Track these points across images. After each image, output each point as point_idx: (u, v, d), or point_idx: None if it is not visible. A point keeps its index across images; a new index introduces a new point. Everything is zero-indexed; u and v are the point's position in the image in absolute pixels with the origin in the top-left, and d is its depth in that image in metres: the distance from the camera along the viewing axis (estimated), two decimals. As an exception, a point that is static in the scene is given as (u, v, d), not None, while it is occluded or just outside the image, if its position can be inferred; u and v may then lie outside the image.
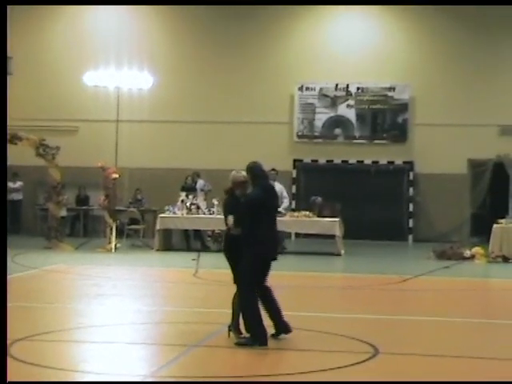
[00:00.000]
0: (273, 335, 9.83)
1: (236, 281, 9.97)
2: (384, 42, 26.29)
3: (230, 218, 9.84)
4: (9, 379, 7.85)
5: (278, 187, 22.06)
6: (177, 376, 8.39)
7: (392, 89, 26.05)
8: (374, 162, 26.16)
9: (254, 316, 9.61)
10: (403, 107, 26.06)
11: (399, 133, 26.15)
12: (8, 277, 15.54)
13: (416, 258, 21.35)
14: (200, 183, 22.57)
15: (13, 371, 8.21)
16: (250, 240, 9.72)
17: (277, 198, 10.38)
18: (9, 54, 26.72)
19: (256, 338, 9.51)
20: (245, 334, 9.70)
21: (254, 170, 10.15)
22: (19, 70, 26.83)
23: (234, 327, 9.86)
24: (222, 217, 10.21)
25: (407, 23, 26.22)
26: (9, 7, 26.50)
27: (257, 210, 9.80)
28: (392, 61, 26.18)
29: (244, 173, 10.25)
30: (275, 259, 10.11)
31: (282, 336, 9.88)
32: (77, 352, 9.46)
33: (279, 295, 10.35)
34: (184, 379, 8.26)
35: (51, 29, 27.00)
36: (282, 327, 9.94)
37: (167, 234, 21.82)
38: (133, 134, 25.71)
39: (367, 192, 25.82)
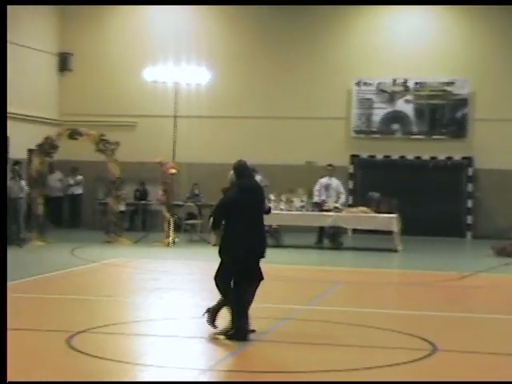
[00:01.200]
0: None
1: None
2: (443, 36, 26.03)
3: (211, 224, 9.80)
4: (68, 371, 8.00)
5: (335, 183, 22.06)
6: (235, 370, 8.46)
7: (451, 83, 25.80)
8: (432, 158, 25.94)
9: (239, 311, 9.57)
10: (462, 102, 25.79)
11: (458, 128, 25.88)
12: (68, 270, 15.86)
13: (475, 255, 21.15)
14: (257, 179, 22.54)
15: (74, 363, 8.37)
16: (224, 244, 9.66)
17: (259, 196, 9.92)
18: (69, 50, 27.19)
19: (237, 332, 9.48)
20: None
21: (238, 169, 9.98)
22: (79, 66, 27.20)
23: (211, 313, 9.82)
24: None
25: (466, 17, 25.94)
26: (67, 5, 26.92)
27: (228, 212, 9.68)
28: (451, 55, 25.92)
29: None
30: (261, 257, 9.94)
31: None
32: (136, 345, 9.59)
33: (336, 291, 10.31)
34: (242, 373, 8.31)
35: (110, 25, 27.28)
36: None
37: None
38: (190, 129, 25.88)
39: (425, 188, 25.62)
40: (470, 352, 9.28)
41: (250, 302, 9.74)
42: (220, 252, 9.79)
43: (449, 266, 18.11)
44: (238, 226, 9.65)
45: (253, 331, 9.71)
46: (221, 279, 9.76)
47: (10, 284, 13.67)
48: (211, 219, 9.82)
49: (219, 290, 9.81)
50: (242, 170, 9.99)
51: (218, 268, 9.83)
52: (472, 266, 18.07)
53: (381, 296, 13.99)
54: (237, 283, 9.66)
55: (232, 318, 9.63)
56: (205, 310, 9.95)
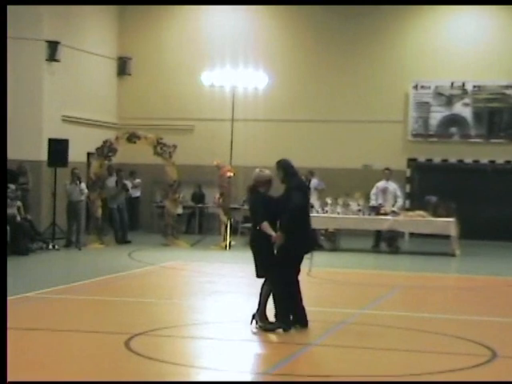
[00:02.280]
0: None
1: (261, 273, 10.30)
2: (501, 39, 25.73)
3: (266, 225, 10.06)
4: (126, 373, 8.08)
5: (392, 187, 21.95)
6: (291, 374, 8.46)
7: (510, 87, 25.48)
8: (490, 162, 25.66)
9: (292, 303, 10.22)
10: (522, 106, 25.47)
11: (517, 132, 25.57)
12: (126, 273, 16.03)
13: (534, 260, 20.87)
14: (314, 182, 22.57)
15: (132, 365, 8.46)
16: (290, 240, 10.02)
17: (309, 193, 10.70)
18: (128, 55, 27.49)
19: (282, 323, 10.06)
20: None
21: (288, 167, 10.35)
22: (138, 70, 27.48)
23: (258, 315, 10.22)
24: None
25: (526, 19, 25.62)
26: (124, 8, 27.23)
27: (299, 214, 10.19)
28: (509, 58, 25.59)
29: (268, 172, 10.45)
30: (308, 252, 10.54)
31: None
32: (193, 348, 9.65)
33: (393, 295, 10.30)
34: (298, 378, 8.32)
35: (168, 29, 27.50)
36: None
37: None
38: (247, 132, 25.95)
39: (483, 192, 25.34)
40: (529, 359, 9.17)
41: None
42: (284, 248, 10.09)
43: (507, 271, 17.89)
44: (301, 225, 10.19)
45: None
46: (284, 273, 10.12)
47: (68, 286, 13.91)
48: (266, 224, 10.08)
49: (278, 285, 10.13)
50: (291, 168, 10.40)
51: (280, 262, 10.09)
52: (531, 271, 17.84)
53: (438, 301, 13.87)
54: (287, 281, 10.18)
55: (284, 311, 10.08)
56: (253, 320, 10.26)
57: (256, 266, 10.39)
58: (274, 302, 10.25)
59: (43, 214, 22.56)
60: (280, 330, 10.12)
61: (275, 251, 10.28)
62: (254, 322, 10.30)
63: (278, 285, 10.23)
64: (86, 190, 21.00)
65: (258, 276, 10.41)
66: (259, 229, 10.22)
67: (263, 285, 10.39)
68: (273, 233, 10.07)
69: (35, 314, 11.33)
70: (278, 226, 10.16)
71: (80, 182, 20.89)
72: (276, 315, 10.24)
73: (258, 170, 10.61)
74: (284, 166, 10.39)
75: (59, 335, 9.93)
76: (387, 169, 22.28)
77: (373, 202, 21.53)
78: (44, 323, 10.54)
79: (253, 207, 10.41)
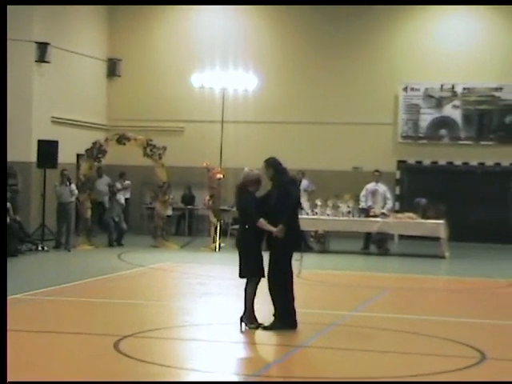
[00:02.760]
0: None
1: (244, 274, 10.42)
2: (491, 41, 25.78)
3: (263, 221, 10.24)
4: (115, 375, 8.06)
5: (382, 188, 21.98)
6: (281, 376, 8.46)
7: (499, 89, 25.55)
8: (480, 164, 25.71)
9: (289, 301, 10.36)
10: (511, 108, 25.52)
11: (506, 134, 25.61)
12: (115, 274, 15.99)
13: (523, 262, 20.92)
14: (304, 183, 22.59)
15: (121, 367, 8.44)
16: (289, 234, 10.26)
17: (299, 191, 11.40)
18: (118, 56, 27.44)
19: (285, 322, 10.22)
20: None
21: (278, 165, 10.52)
22: (128, 71, 27.43)
23: (246, 318, 10.31)
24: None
25: (515, 22, 25.68)
26: (115, 10, 27.19)
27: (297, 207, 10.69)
28: (499, 61, 25.66)
29: (257, 171, 10.55)
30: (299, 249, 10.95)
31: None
32: (183, 350, 9.64)
33: (383, 297, 10.31)
34: (288, 379, 8.31)
35: (158, 31, 27.46)
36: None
37: (270, 234, 21.85)
38: (237, 134, 25.93)
39: (473, 194, 25.39)
40: (519, 360, 9.19)
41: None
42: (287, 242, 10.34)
43: (497, 273, 17.92)
44: (296, 219, 10.58)
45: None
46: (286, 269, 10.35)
47: (58, 288, 13.87)
48: (262, 220, 10.24)
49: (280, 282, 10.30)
50: (280, 165, 10.54)
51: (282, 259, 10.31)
52: (521, 273, 17.88)
53: (428, 303, 13.89)
54: (286, 277, 10.40)
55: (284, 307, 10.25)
56: (241, 323, 10.32)
57: (240, 266, 10.43)
58: (273, 301, 10.34)
59: (32, 216, 22.49)
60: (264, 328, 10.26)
61: (270, 249, 10.44)
62: (243, 324, 10.29)
63: (277, 282, 10.30)
64: (76, 191, 20.96)
65: (241, 276, 10.46)
66: (248, 228, 10.29)
67: (246, 286, 10.42)
68: (272, 228, 10.15)
69: (24, 315, 11.29)
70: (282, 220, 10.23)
71: (70, 183, 20.84)
72: (275, 314, 10.29)
73: (246, 169, 10.66)
74: (274, 164, 10.51)
75: (48, 337, 9.90)
76: (377, 171, 22.31)
77: (362, 204, 21.56)
78: (33, 325, 10.51)
79: (244, 206, 10.43)
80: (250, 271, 10.34)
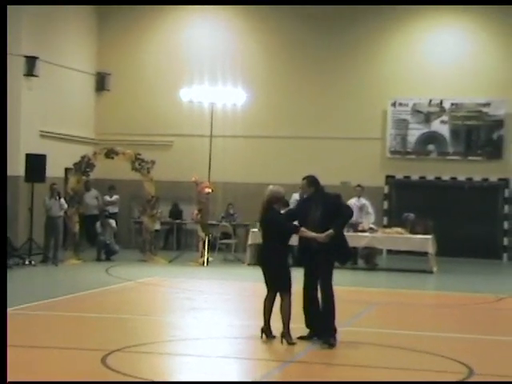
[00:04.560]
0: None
1: (275, 288, 10.56)
2: (479, 57, 25.90)
3: (304, 229, 10.41)
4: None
5: (363, 203, 21.98)
6: (269, 391, 8.44)
7: (487, 105, 25.66)
8: (467, 179, 25.78)
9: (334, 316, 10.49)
10: (498, 123, 25.62)
11: (494, 149, 25.69)
12: (103, 289, 15.94)
13: (511, 277, 20.93)
14: (293, 198, 22.55)
15: (108, 382, 8.39)
16: (336, 246, 10.52)
17: None
18: (106, 70, 27.45)
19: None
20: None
21: (318, 183, 10.88)
22: (116, 85, 27.42)
23: (286, 334, 10.36)
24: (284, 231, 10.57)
25: (502, 38, 25.80)
26: (104, 24, 27.22)
27: None
28: (487, 76, 25.78)
29: (281, 188, 10.72)
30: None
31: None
32: (171, 364, 9.61)
33: (370, 312, 10.30)
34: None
35: (147, 45, 27.46)
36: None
37: (259, 248, 21.86)
38: (226, 149, 25.94)
39: (461, 209, 25.44)
40: (507, 376, 9.18)
41: None
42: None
43: (485, 288, 17.96)
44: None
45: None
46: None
47: (45, 302, 13.81)
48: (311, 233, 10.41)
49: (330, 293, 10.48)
50: (319, 183, 10.94)
51: (331, 272, 10.53)
52: (509, 288, 17.92)
53: (416, 318, 13.89)
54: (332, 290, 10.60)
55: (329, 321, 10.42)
56: (283, 339, 10.37)
57: (271, 280, 10.56)
58: (325, 315, 10.48)
59: (20, 230, 22.41)
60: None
61: (305, 263, 10.64)
62: (285, 341, 10.32)
63: (331, 296, 10.53)
64: (65, 205, 20.93)
65: (275, 291, 10.59)
66: (279, 243, 10.44)
67: (270, 301, 10.58)
68: (315, 234, 10.34)
69: (10, 330, 11.21)
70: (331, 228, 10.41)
71: (59, 198, 20.82)
72: (325, 329, 10.46)
73: (271, 186, 10.79)
74: (316, 182, 10.87)
75: (35, 352, 9.85)
76: (359, 185, 22.37)
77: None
78: (20, 340, 10.45)
79: (277, 221, 10.51)
80: (286, 285, 10.47)
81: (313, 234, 10.35)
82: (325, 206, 10.58)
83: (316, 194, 10.78)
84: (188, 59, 26.85)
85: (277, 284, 10.51)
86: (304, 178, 10.91)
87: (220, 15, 26.88)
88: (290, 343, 10.26)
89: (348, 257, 11.34)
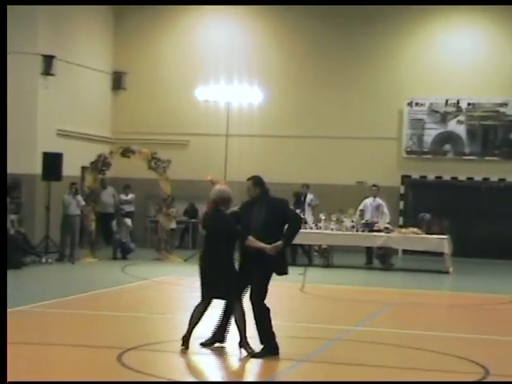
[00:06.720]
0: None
1: (211, 295, 10.08)
2: (496, 57, 25.81)
3: (252, 239, 9.71)
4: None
5: (379, 203, 21.88)
6: (284, 390, 8.45)
7: (504, 105, 25.56)
8: (484, 179, 25.70)
9: (270, 327, 9.85)
10: (516, 123, 25.55)
11: (511, 150, 25.61)
12: (119, 287, 15.98)
13: (527, 278, 20.87)
14: (309, 197, 22.59)
15: (124, 379, 8.42)
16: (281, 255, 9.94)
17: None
18: (123, 69, 27.51)
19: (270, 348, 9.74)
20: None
21: (263, 184, 10.21)
22: (133, 84, 27.47)
23: (245, 344, 9.85)
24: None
25: (521, 37, 25.71)
26: (121, 23, 27.29)
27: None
28: (504, 76, 25.68)
29: (229, 189, 10.28)
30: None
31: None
32: (186, 363, 9.62)
33: (386, 312, 10.28)
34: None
35: (163, 44, 27.52)
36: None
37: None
38: (242, 148, 25.97)
39: (477, 209, 25.36)
40: (523, 377, 9.16)
41: None
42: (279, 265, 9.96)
43: (501, 289, 17.90)
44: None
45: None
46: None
47: (61, 300, 13.87)
48: (251, 238, 9.77)
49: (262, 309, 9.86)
50: (265, 184, 10.23)
51: (265, 284, 9.88)
52: (525, 289, 17.84)
53: (431, 318, 13.85)
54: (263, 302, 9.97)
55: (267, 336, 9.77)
56: (241, 348, 9.92)
57: (216, 285, 9.93)
58: (259, 326, 9.86)
59: (37, 228, 22.51)
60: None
61: (245, 268, 9.92)
62: (243, 350, 9.90)
63: (263, 307, 9.91)
64: (83, 203, 21.02)
65: (219, 297, 10.05)
66: (226, 246, 9.88)
67: (200, 310, 10.12)
68: (262, 245, 9.67)
69: (27, 327, 11.28)
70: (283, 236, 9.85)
71: (77, 194, 20.93)
72: (262, 341, 9.84)
73: (218, 186, 10.47)
74: (262, 183, 10.20)
75: (51, 349, 9.89)
76: (374, 185, 22.32)
77: (358, 218, 21.50)
78: (36, 337, 10.50)
79: (225, 225, 9.92)
80: (232, 292, 9.91)
81: (261, 245, 9.67)
82: (269, 209, 9.96)
83: (261, 196, 10.14)
84: (204, 58, 26.88)
85: (216, 291, 9.94)
86: (249, 179, 10.27)
87: (236, 14, 26.89)
88: (250, 353, 9.73)
89: (286, 268, 10.10)
